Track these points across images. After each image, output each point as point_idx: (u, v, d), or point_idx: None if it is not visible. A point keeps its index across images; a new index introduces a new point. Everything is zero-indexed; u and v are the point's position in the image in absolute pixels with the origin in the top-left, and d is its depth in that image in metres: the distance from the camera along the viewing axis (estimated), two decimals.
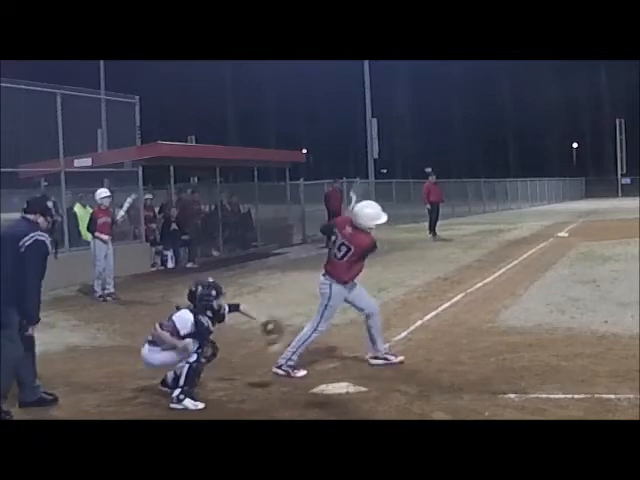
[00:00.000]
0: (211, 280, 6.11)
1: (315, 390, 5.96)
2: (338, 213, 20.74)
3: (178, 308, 6.01)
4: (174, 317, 5.90)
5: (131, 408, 5.72)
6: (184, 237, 16.32)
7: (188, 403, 5.68)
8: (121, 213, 12.42)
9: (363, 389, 5.94)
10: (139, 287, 12.67)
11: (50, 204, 5.87)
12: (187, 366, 5.72)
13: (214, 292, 5.97)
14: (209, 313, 5.91)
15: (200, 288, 5.97)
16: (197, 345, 5.76)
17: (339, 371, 6.54)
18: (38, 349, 6.11)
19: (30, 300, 5.55)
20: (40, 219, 5.74)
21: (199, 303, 5.92)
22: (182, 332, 5.79)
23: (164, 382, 5.98)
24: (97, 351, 6.38)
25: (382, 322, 7.09)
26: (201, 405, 5.72)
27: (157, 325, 5.87)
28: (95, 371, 6.21)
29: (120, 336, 8.55)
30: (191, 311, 5.90)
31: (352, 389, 5.94)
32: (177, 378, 5.76)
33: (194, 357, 5.74)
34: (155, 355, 5.90)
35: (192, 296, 5.99)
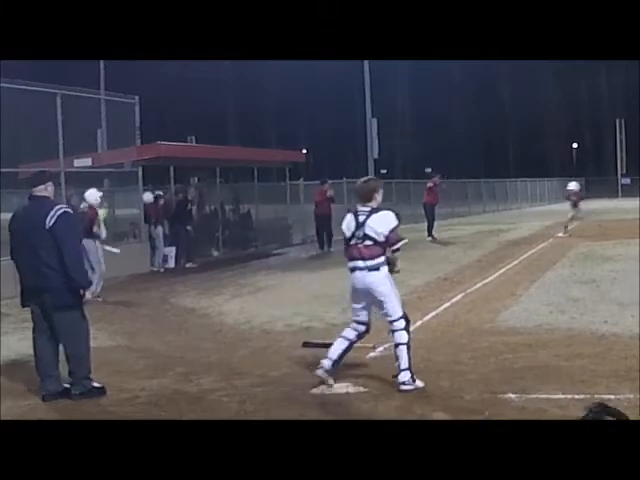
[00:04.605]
0: None
1: (315, 390, 5.96)
2: (328, 216, 18.94)
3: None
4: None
5: (131, 408, 5.72)
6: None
7: (419, 383, 5.87)
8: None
9: (363, 389, 5.93)
10: (139, 287, 12.66)
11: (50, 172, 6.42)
12: (405, 347, 5.86)
13: None
14: None
15: None
16: (405, 322, 5.92)
17: (339, 371, 6.54)
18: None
19: (73, 269, 5.88)
20: (50, 187, 6.09)
21: None
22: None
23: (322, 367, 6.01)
24: (97, 351, 6.39)
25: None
26: (421, 384, 5.92)
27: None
28: (95, 371, 6.20)
29: (120, 336, 8.56)
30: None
31: (352, 389, 5.94)
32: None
33: (406, 337, 5.89)
34: None
35: None
